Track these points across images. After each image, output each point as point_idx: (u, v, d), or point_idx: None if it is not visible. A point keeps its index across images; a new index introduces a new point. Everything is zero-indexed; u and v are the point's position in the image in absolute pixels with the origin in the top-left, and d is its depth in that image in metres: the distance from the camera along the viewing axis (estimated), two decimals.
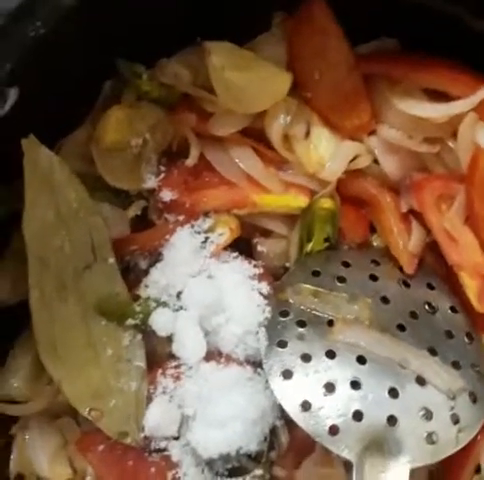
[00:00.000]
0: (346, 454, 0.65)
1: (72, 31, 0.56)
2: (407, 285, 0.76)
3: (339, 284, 0.75)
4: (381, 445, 0.66)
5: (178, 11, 0.65)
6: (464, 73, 0.72)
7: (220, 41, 0.68)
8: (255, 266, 0.76)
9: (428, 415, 0.67)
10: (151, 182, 0.74)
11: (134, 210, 0.75)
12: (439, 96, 0.74)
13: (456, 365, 0.71)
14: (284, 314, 0.72)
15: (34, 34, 0.57)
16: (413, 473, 0.77)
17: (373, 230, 0.81)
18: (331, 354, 0.69)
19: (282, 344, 0.70)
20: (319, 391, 0.67)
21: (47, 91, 0.61)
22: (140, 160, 0.73)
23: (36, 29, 0.57)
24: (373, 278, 0.76)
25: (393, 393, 0.68)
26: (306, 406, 0.66)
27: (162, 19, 0.64)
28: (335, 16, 0.71)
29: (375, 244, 0.81)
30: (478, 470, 0.79)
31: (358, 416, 0.66)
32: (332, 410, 0.66)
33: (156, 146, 0.73)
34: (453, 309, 0.76)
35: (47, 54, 0.58)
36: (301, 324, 0.71)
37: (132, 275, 0.75)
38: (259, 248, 0.79)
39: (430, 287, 0.77)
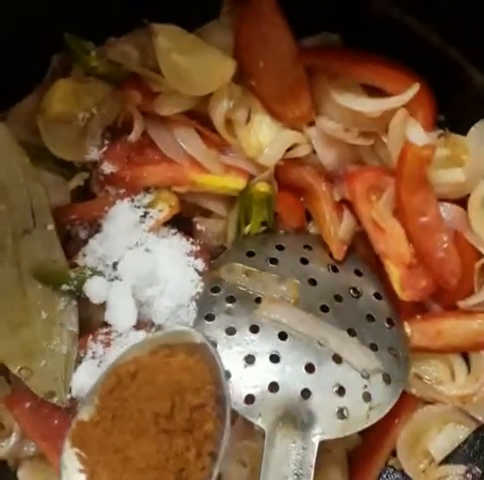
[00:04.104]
0: (260, 422, 0.69)
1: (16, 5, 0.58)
2: (335, 270, 0.80)
3: (271, 265, 0.78)
4: (294, 417, 0.69)
5: None
6: (399, 71, 0.75)
7: (167, 24, 0.71)
8: (193, 243, 0.79)
9: (341, 391, 0.71)
10: (94, 154, 0.76)
11: (76, 181, 0.77)
12: (377, 92, 0.78)
13: (373, 347, 0.74)
14: (215, 290, 0.76)
15: None
16: (331, 453, 0.82)
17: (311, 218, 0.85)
18: (255, 329, 0.73)
19: (210, 317, 0.74)
20: (239, 362, 0.70)
21: None
22: (85, 133, 0.75)
23: None
24: (304, 261, 0.79)
25: (310, 368, 0.71)
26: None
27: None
28: (281, 8, 0.74)
29: (311, 231, 0.85)
30: (394, 453, 0.83)
31: (274, 387, 0.70)
32: (250, 380, 0.70)
33: (102, 120, 0.76)
34: (377, 295, 0.79)
35: None
36: (230, 300, 0.75)
37: (72, 244, 0.77)
38: (198, 227, 0.82)
39: (358, 274, 0.80)
